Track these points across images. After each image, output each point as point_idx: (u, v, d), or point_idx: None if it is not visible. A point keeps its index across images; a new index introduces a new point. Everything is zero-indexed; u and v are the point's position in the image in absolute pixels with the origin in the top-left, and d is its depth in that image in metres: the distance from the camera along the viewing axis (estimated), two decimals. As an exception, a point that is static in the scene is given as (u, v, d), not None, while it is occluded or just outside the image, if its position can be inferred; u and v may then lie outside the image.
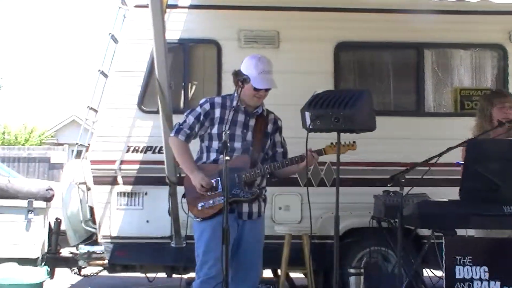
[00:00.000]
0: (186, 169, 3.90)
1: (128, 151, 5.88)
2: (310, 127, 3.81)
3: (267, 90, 3.89)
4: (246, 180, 3.83)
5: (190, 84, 6.11)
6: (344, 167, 5.24)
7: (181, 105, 6.07)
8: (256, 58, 3.87)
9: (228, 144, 3.54)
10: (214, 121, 3.91)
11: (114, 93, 5.93)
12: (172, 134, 3.98)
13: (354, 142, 3.90)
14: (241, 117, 3.92)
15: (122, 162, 5.85)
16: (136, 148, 5.89)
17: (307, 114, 3.84)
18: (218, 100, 3.96)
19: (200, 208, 3.86)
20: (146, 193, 5.86)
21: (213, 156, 3.94)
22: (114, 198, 5.84)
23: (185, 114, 3.99)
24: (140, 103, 5.93)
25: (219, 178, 3.84)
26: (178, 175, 5.17)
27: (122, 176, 5.84)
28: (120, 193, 5.85)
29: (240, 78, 3.74)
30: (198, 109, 3.95)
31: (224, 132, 3.56)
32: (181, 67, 6.05)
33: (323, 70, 5.95)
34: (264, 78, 3.82)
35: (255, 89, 3.82)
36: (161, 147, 5.65)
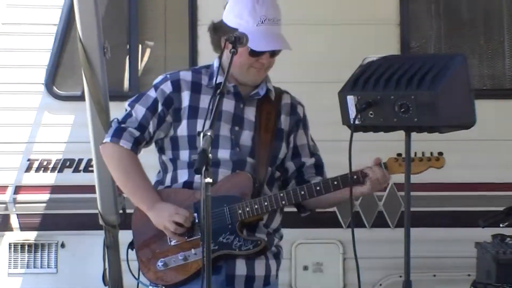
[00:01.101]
0: (139, 201, 3.93)
1: (29, 168, 5.97)
2: (357, 122, 3.83)
3: (273, 54, 3.91)
4: (244, 219, 3.87)
5: (140, 48, 6.21)
6: (421, 192, 5.28)
7: (125, 85, 6.16)
8: None
9: (210, 155, 3.57)
10: (181, 114, 3.94)
11: (1, 65, 6.06)
12: (107, 139, 3.97)
13: (441, 154, 3.93)
14: (228, 105, 3.94)
15: (18, 189, 5.95)
16: (44, 163, 5.97)
17: (351, 99, 3.85)
18: (186, 76, 3.99)
19: (160, 268, 3.90)
20: (62, 245, 5.95)
21: (182, 176, 3.96)
22: (3, 254, 5.91)
23: (128, 103, 3.97)
24: (51, 82, 6.03)
25: (195, 215, 3.88)
26: (121, 211, 5.21)
27: (19, 215, 5.93)
28: (15, 245, 5.93)
29: (231, 36, 3.75)
30: (152, 92, 3.98)
31: (201, 134, 3.58)
32: (124, 18, 6.14)
33: (381, 18, 6.08)
34: (266, 33, 3.84)
35: (252, 53, 3.84)
36: (89, 161, 5.73)
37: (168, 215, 3.84)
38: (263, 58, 3.89)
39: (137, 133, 3.94)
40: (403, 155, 3.83)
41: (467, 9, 6.31)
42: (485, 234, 5.30)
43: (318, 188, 3.88)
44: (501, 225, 5.01)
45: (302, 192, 3.89)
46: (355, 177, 3.83)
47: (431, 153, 3.90)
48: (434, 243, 5.77)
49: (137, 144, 3.95)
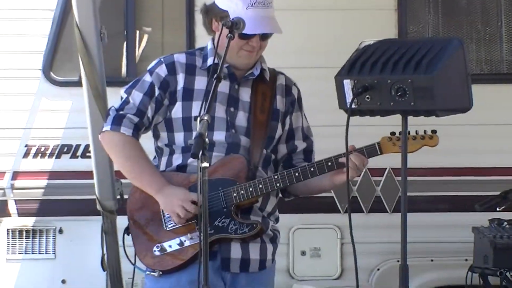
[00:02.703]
0: (146, 184, 3.93)
1: (26, 154, 5.97)
2: (353, 106, 3.82)
3: (264, 37, 3.91)
4: (239, 202, 3.87)
5: (138, 34, 6.19)
6: (418, 177, 5.29)
7: (123, 71, 6.15)
8: None
9: (206, 140, 3.56)
10: (176, 96, 3.95)
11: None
12: (107, 127, 3.96)
13: (434, 132, 3.94)
14: (223, 86, 3.92)
15: (16, 175, 5.94)
16: (42, 148, 5.97)
17: (347, 83, 3.84)
18: (180, 58, 3.99)
19: (157, 253, 3.90)
20: (60, 231, 5.95)
21: (177, 159, 3.97)
22: (1, 240, 5.90)
23: (125, 89, 3.97)
24: (48, 68, 6.03)
25: (191, 199, 4.01)
26: (119, 197, 5.21)
27: (17, 201, 5.93)
28: (13, 231, 5.93)
29: (228, 21, 3.73)
30: (147, 77, 3.98)
31: (198, 118, 3.57)
32: (122, 4, 6.12)
33: (378, 4, 6.07)
34: (256, 16, 3.83)
35: (241, 36, 3.81)
36: (87, 147, 5.72)
37: (179, 199, 3.84)
38: (253, 41, 3.88)
39: (136, 119, 3.93)
40: (397, 134, 3.84)
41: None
42: (482, 218, 5.31)
43: (312, 169, 3.89)
44: (497, 209, 5.02)
45: (297, 174, 3.89)
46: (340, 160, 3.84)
47: (425, 131, 3.89)
48: (431, 228, 5.78)
49: (137, 130, 3.95)
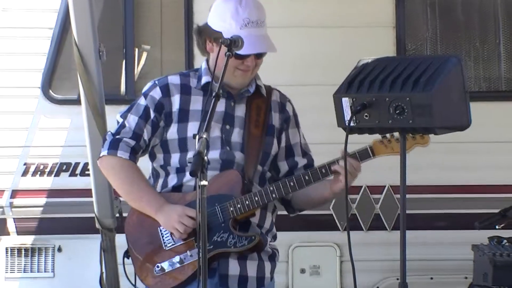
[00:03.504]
0: (146, 205, 3.94)
1: (25, 172, 5.98)
2: (352, 124, 3.82)
3: (259, 56, 3.91)
4: (236, 216, 3.87)
5: (137, 52, 6.21)
6: (417, 194, 5.29)
7: (121, 89, 6.16)
8: (235, 1, 3.88)
9: (206, 158, 3.55)
10: (172, 118, 3.95)
11: (-1, 69, 6.06)
12: (104, 152, 3.98)
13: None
14: (220, 104, 3.82)
15: (15, 193, 5.95)
16: (41, 167, 5.98)
17: (346, 101, 3.84)
18: (174, 80, 4.01)
19: (158, 273, 3.90)
20: (59, 249, 5.96)
21: (172, 180, 3.98)
22: (0, 258, 5.91)
23: (120, 114, 4.02)
24: (47, 86, 6.04)
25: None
26: (118, 215, 5.21)
27: (16, 219, 5.93)
28: (12, 249, 5.93)
29: (226, 39, 3.73)
30: (142, 101, 3.99)
31: (197, 136, 3.56)
32: (120, 21, 6.16)
33: (377, 21, 6.09)
34: (250, 36, 3.80)
35: (236, 56, 3.77)
36: (85, 165, 5.73)
37: (177, 215, 3.84)
38: (248, 61, 3.89)
39: (132, 143, 3.95)
40: (388, 136, 3.87)
41: (463, 11, 6.31)
42: (481, 236, 5.30)
43: (307, 177, 3.89)
44: (496, 227, 5.01)
45: (292, 183, 3.89)
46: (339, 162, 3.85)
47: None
48: (430, 246, 5.78)
49: (134, 153, 3.97)
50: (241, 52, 3.77)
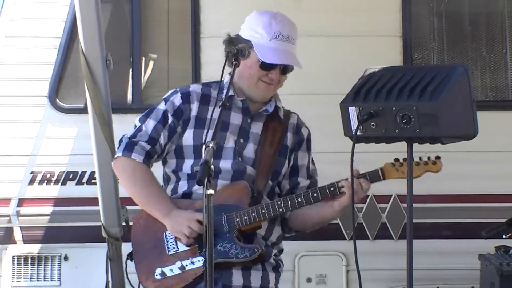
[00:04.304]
0: (154, 209, 3.95)
1: (32, 181, 5.99)
2: (359, 133, 3.82)
3: (284, 72, 3.93)
4: (242, 227, 3.87)
5: (143, 61, 6.22)
6: (424, 204, 5.29)
7: (128, 97, 6.16)
8: (270, 15, 3.92)
9: (212, 166, 3.56)
10: (188, 124, 3.96)
11: (4, 78, 6.08)
12: (118, 154, 4.00)
13: (438, 158, 3.94)
14: (236, 118, 3.96)
15: (21, 201, 5.95)
16: (47, 175, 5.99)
17: (352, 110, 3.84)
18: (196, 88, 4.01)
19: (158, 277, 3.90)
20: (65, 258, 5.96)
21: (182, 186, 3.99)
22: (6, 267, 5.92)
23: (138, 118, 4.05)
24: (54, 95, 6.05)
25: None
26: (124, 224, 5.22)
27: (22, 228, 5.94)
28: (19, 258, 5.94)
29: (233, 48, 3.74)
30: (161, 106, 4.01)
31: (203, 145, 3.56)
32: (127, 30, 6.17)
33: (383, 30, 6.10)
34: (279, 48, 3.86)
35: (262, 65, 3.84)
36: (92, 174, 5.73)
37: (185, 219, 3.85)
38: (272, 73, 3.90)
39: (148, 147, 3.97)
40: (401, 160, 3.83)
41: (470, 21, 6.32)
42: (488, 245, 5.30)
43: (315, 194, 3.88)
44: (503, 236, 5.00)
45: (299, 199, 3.89)
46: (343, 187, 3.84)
47: (428, 158, 3.88)
48: (437, 255, 5.77)
49: (149, 157, 3.99)
50: (267, 60, 3.82)
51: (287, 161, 4.06)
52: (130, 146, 3.97)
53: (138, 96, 6.13)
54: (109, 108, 5.07)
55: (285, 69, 3.93)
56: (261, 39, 3.87)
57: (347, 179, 3.85)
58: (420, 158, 3.89)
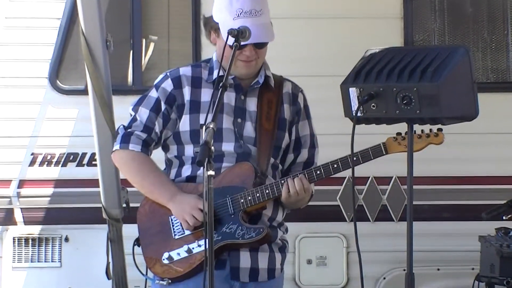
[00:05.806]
0: (158, 196, 3.96)
1: (32, 162, 5.99)
2: (359, 114, 3.82)
3: (260, 45, 3.90)
4: (247, 208, 3.88)
5: (144, 43, 6.20)
6: (424, 186, 5.29)
7: (129, 79, 6.16)
8: None
9: (212, 147, 3.56)
10: (183, 109, 3.96)
11: (5, 59, 6.07)
12: (116, 147, 4.03)
13: (440, 130, 3.93)
14: (229, 97, 3.96)
15: (22, 183, 5.96)
16: (48, 157, 5.99)
17: (353, 91, 3.85)
18: (186, 71, 4.02)
19: (166, 262, 3.92)
20: (66, 239, 5.96)
21: (186, 170, 3.99)
22: (7, 248, 5.92)
23: (132, 107, 4.06)
24: (54, 76, 6.04)
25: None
26: (125, 205, 5.22)
27: (23, 209, 5.94)
28: (19, 239, 5.94)
29: (233, 30, 3.69)
30: (153, 93, 4.01)
31: (203, 127, 3.55)
32: (128, 12, 6.15)
33: (384, 12, 6.09)
34: (244, 26, 3.72)
35: (232, 46, 3.71)
36: (93, 155, 5.74)
37: (189, 207, 3.87)
38: (246, 51, 3.87)
39: (144, 135, 3.99)
40: (403, 134, 3.84)
41: (471, 2, 6.30)
42: (488, 227, 5.30)
43: (318, 172, 3.92)
44: (504, 218, 5.01)
45: (282, 181, 3.91)
46: (354, 158, 3.86)
47: (430, 130, 3.89)
48: (437, 237, 5.78)
49: (147, 146, 4.00)
50: (229, 42, 3.71)
51: (287, 134, 4.07)
52: (126, 137, 4.00)
53: (139, 78, 6.12)
54: (109, 90, 5.06)
55: (258, 43, 3.89)
56: (226, 20, 3.86)
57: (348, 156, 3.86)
58: (422, 131, 3.89)
